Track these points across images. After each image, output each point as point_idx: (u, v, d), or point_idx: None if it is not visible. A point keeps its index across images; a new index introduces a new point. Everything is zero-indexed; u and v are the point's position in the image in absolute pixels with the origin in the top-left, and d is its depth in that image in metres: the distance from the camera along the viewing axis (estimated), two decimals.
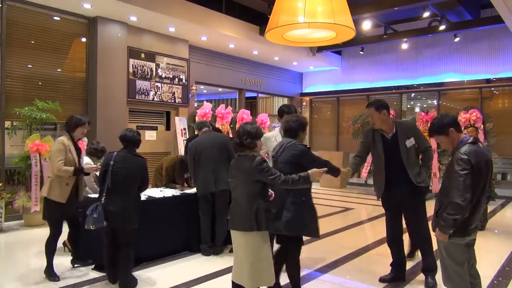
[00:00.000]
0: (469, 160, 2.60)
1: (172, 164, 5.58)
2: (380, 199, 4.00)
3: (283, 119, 4.04)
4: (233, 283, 3.07)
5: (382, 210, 4.18)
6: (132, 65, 8.18)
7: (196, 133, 5.36)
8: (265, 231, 2.95)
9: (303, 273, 4.25)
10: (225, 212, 4.80)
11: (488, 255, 4.94)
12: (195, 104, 9.91)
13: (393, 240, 4.01)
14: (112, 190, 3.57)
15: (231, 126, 9.61)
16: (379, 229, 4.59)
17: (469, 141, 2.72)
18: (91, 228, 3.51)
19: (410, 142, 3.80)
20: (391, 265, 4.08)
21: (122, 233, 3.63)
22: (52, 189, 3.91)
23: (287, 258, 3.43)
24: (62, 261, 4.51)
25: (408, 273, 4.22)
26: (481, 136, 8.21)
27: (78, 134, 4.14)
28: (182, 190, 5.22)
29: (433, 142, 7.51)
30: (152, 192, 4.93)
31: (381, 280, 4.04)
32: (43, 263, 4.53)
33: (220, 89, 12.26)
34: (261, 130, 3.10)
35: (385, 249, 5.10)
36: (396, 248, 4.01)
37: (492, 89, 10.40)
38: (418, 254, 4.28)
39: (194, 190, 5.00)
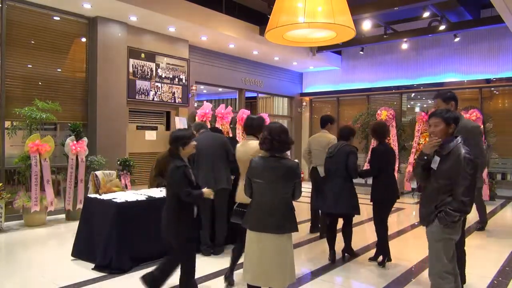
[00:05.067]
0: (474, 161, 2.68)
1: (165, 156, 5.50)
2: None
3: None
4: (250, 286, 3.02)
5: None
6: (132, 65, 8.18)
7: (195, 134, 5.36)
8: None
9: (303, 273, 4.27)
10: (224, 211, 4.83)
11: (488, 255, 4.94)
12: (195, 104, 9.90)
13: None
14: None
15: (231, 126, 9.61)
16: None
17: (459, 142, 2.77)
18: None
19: None
20: None
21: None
22: None
23: (348, 230, 4.67)
24: (62, 260, 4.52)
25: (408, 274, 4.24)
26: None
27: None
28: None
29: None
30: (152, 192, 4.93)
31: None
32: (43, 263, 4.53)
33: (220, 89, 12.24)
34: None
35: None
36: None
37: (492, 89, 10.39)
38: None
39: None
